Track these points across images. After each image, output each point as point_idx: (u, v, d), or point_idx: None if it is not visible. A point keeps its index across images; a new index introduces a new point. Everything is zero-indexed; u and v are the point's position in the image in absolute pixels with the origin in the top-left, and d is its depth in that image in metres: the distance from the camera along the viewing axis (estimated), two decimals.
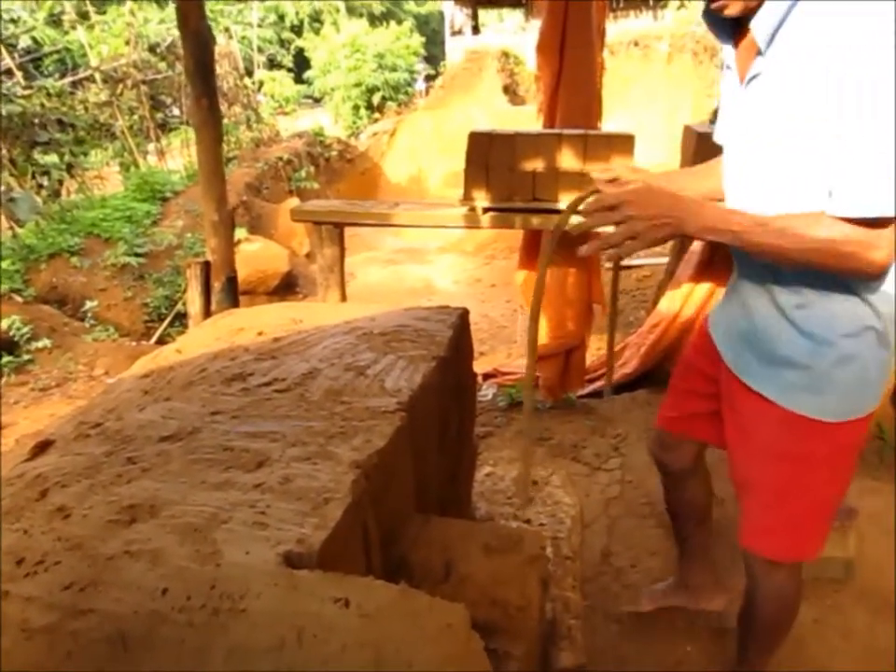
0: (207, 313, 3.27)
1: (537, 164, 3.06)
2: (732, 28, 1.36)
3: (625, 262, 7.79)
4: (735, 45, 1.37)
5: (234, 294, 3.38)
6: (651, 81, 12.30)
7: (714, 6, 1.27)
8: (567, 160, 3.03)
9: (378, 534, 1.39)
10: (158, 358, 1.93)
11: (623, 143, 3.03)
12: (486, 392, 4.07)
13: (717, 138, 1.55)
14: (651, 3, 14.23)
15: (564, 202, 3.09)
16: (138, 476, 1.34)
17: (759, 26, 1.25)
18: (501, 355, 5.45)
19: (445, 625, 1.01)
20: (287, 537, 1.14)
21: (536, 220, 3.16)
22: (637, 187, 1.35)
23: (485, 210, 3.19)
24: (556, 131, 3.17)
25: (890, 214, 1.16)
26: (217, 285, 3.32)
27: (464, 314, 2.21)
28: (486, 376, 4.25)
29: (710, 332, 1.67)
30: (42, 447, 1.52)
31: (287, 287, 8.01)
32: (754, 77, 1.31)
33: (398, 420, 1.52)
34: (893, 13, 1.11)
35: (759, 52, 1.28)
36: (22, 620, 1.07)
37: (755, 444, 1.48)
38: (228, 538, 1.15)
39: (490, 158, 3.09)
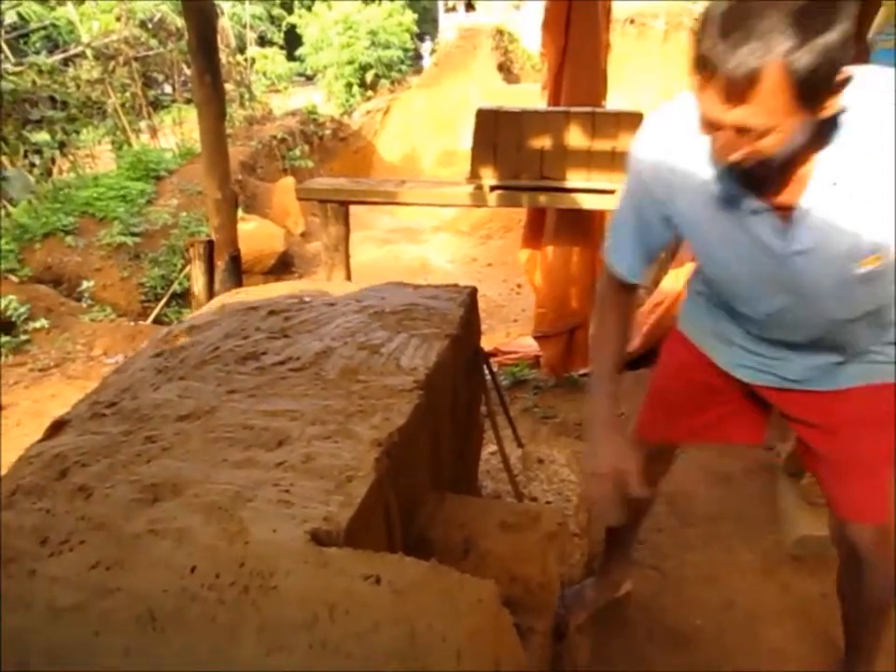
0: (211, 292, 3.25)
1: (544, 142, 3.04)
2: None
3: None
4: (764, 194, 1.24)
5: (238, 273, 3.35)
6: (647, 59, 12.22)
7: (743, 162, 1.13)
8: (575, 137, 3.01)
9: (399, 512, 1.39)
10: (169, 337, 1.92)
11: (632, 121, 3.00)
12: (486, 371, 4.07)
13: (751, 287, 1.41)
14: None
15: (571, 180, 3.08)
16: (158, 455, 1.34)
17: (813, 200, 1.19)
18: (500, 334, 5.44)
19: (476, 601, 1.02)
20: (313, 515, 1.14)
21: (543, 198, 3.15)
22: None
23: (492, 188, 3.17)
24: (564, 108, 3.15)
25: None
26: (220, 264, 3.29)
27: (472, 292, 2.21)
28: (486, 356, 4.25)
29: (741, 376, 1.61)
30: (57, 427, 1.52)
31: (282, 267, 7.97)
32: (816, 219, 1.21)
33: (415, 398, 1.52)
34: None
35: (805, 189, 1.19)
36: (49, 599, 1.06)
37: (855, 428, 1.49)
38: (254, 516, 1.15)
39: (497, 135, 3.07)
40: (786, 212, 1.23)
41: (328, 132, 12.49)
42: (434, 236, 9.97)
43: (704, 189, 1.27)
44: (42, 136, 7.82)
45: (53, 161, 7.91)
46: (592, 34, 3.23)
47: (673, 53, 12.09)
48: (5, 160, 7.27)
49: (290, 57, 16.12)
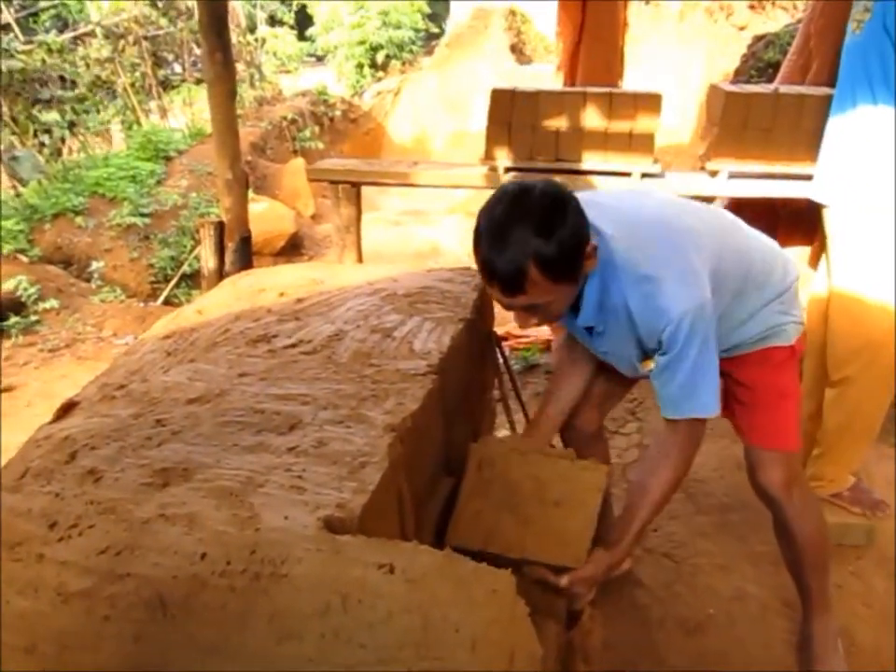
0: (221, 273, 3.23)
1: (560, 123, 2.98)
2: None
3: None
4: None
5: (248, 254, 3.32)
6: (662, 39, 12.04)
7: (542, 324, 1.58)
8: (592, 118, 2.95)
9: (411, 498, 1.37)
10: (178, 319, 1.90)
11: (650, 101, 2.95)
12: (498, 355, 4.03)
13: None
14: None
15: (588, 162, 3.02)
16: (168, 439, 1.32)
17: (586, 320, 1.58)
18: (512, 318, 5.39)
19: (491, 591, 1.00)
20: (325, 501, 1.12)
21: (558, 180, 3.09)
22: (585, 575, 1.54)
23: (507, 170, 3.12)
24: (581, 89, 3.09)
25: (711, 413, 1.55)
26: (230, 245, 3.26)
27: None
28: (499, 339, 4.21)
29: None
30: (67, 409, 1.50)
31: (292, 249, 7.93)
32: (599, 332, 1.62)
33: (429, 383, 1.50)
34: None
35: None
36: (58, 584, 1.05)
37: (767, 379, 1.81)
38: (265, 502, 1.13)
39: (512, 116, 3.01)
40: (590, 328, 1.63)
41: (338, 113, 12.39)
42: (446, 219, 9.90)
43: None
44: (52, 116, 7.79)
45: (63, 140, 7.87)
46: (609, 10, 3.17)
47: (689, 33, 11.91)
48: (15, 140, 7.24)
49: (301, 37, 15.98)
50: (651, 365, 1.60)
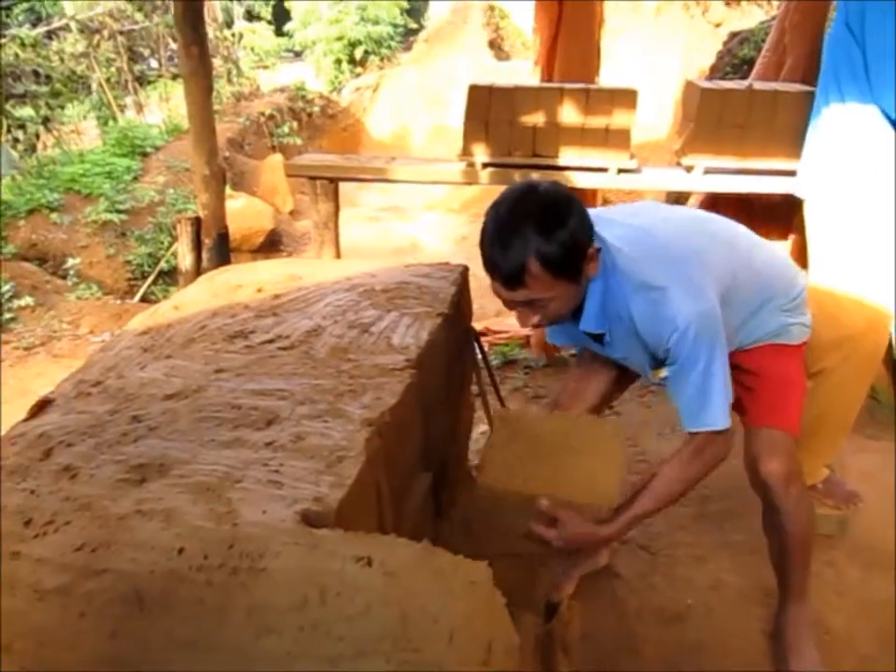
0: (198, 270, 3.21)
1: (537, 119, 3.00)
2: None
3: None
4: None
5: (226, 251, 3.31)
6: (639, 35, 12.10)
7: (543, 324, 1.62)
8: (569, 114, 2.97)
9: (390, 492, 1.37)
10: (155, 315, 1.88)
11: (626, 97, 2.97)
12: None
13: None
14: None
15: (564, 157, 3.04)
16: (145, 435, 1.31)
17: (588, 325, 1.62)
18: (490, 313, 5.41)
19: (469, 582, 1.00)
20: (303, 495, 1.13)
21: (535, 176, 3.11)
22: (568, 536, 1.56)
23: (484, 165, 3.13)
24: (557, 84, 3.11)
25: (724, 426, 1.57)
26: (207, 241, 3.25)
27: (464, 271, 2.18)
28: (477, 335, 4.21)
29: None
30: (41, 406, 1.49)
31: (271, 245, 7.91)
32: (608, 341, 1.67)
33: (407, 377, 1.50)
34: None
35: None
36: (34, 581, 1.04)
37: (773, 366, 1.84)
38: (242, 496, 1.13)
39: (490, 112, 3.02)
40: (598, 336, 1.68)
41: (316, 108, 12.35)
42: (424, 215, 9.90)
43: None
44: (26, 111, 7.69)
45: (38, 136, 7.78)
46: (586, 7, 3.19)
47: (665, 30, 11.98)
48: None
49: (278, 32, 15.89)
50: (662, 374, 1.64)
